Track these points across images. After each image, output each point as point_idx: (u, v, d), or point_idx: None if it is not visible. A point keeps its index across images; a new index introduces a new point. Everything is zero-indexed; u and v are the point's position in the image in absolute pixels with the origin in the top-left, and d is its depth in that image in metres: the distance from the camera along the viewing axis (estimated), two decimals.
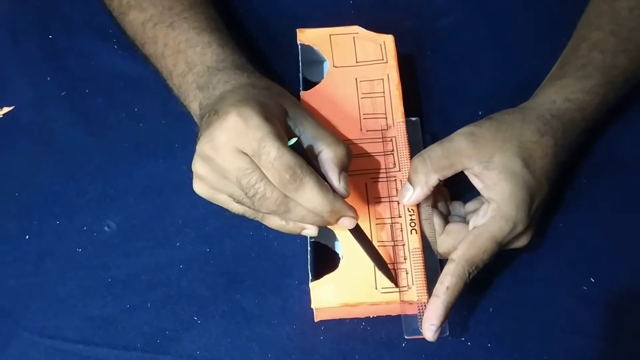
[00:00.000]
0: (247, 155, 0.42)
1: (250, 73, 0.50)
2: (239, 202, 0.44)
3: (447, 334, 0.47)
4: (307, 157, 0.43)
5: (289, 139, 0.42)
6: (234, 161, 0.42)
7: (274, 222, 0.45)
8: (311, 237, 0.49)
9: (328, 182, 0.44)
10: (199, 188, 0.46)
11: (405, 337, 0.47)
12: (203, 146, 0.43)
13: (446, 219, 0.51)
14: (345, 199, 0.44)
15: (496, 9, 0.65)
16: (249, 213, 0.45)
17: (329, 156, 0.44)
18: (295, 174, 0.41)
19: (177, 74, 0.52)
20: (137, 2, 0.56)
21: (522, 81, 0.56)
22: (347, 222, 0.44)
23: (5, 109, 0.61)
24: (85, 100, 0.61)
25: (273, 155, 0.41)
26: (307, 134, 0.45)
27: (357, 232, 0.46)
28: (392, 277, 0.47)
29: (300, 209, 0.43)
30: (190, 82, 0.51)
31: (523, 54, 0.62)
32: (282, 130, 0.43)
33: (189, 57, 0.51)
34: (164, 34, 0.53)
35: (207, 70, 0.50)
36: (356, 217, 0.44)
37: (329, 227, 0.48)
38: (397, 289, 0.47)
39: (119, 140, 0.59)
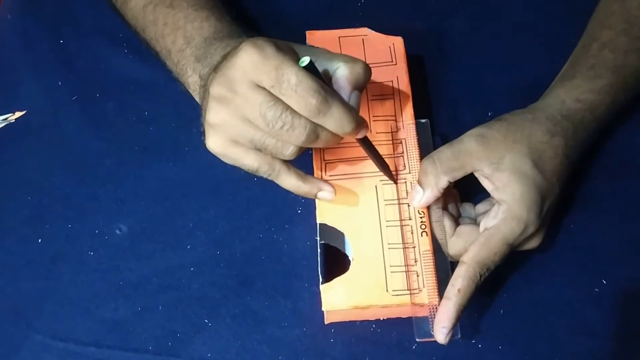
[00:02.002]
0: (266, 88, 0.41)
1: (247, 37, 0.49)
2: (259, 147, 0.43)
3: (459, 336, 0.46)
4: (322, 78, 0.42)
5: (301, 60, 0.41)
6: (255, 96, 0.41)
7: (289, 182, 0.45)
8: (321, 237, 0.49)
9: None
10: (214, 141, 0.44)
11: (417, 339, 0.47)
12: (218, 88, 0.42)
13: (457, 220, 0.51)
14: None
15: (505, 9, 0.65)
16: (264, 168, 0.44)
17: (344, 72, 0.43)
18: (320, 97, 0.40)
19: (175, 50, 0.52)
20: None
21: (533, 82, 0.56)
22: (364, 132, 0.45)
23: (18, 114, 0.62)
24: (96, 104, 0.61)
25: (294, 81, 0.40)
26: (321, 59, 0.44)
27: (366, 141, 0.47)
28: (394, 178, 0.50)
29: (326, 133, 0.42)
30: (189, 55, 0.50)
31: (533, 55, 0.62)
32: (297, 58, 0.42)
33: (187, 32, 0.51)
34: (163, 14, 0.54)
35: (204, 42, 0.50)
36: (368, 126, 0.45)
37: (337, 227, 0.49)
38: (408, 292, 0.47)
39: (130, 144, 0.59)
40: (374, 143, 0.52)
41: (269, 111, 0.41)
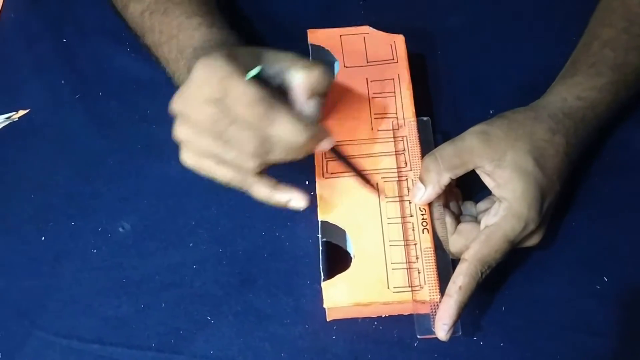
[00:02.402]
0: (216, 102, 0.40)
1: (231, 45, 0.49)
2: (222, 161, 0.43)
3: (460, 333, 0.47)
4: (275, 88, 0.42)
5: (252, 69, 0.41)
6: (205, 111, 0.41)
7: (260, 192, 0.44)
8: (323, 235, 0.50)
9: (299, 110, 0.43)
10: (185, 157, 0.45)
11: (418, 336, 0.47)
12: (177, 106, 0.42)
13: (458, 218, 0.51)
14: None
15: (507, 7, 0.65)
16: (236, 180, 0.44)
17: (299, 80, 0.42)
18: (262, 106, 0.40)
19: (171, 60, 0.52)
20: None
21: (534, 80, 0.56)
22: (326, 144, 0.43)
23: (21, 112, 0.62)
24: (99, 102, 0.62)
25: (240, 91, 0.40)
26: (283, 69, 0.43)
27: (335, 151, 0.47)
28: (373, 186, 0.49)
29: (280, 145, 0.41)
30: (182, 67, 0.51)
31: (534, 53, 0.62)
32: (249, 68, 0.41)
33: (180, 42, 0.52)
34: (159, 21, 0.54)
35: (193, 52, 0.50)
36: (332, 138, 0.44)
37: (337, 224, 0.49)
38: (409, 289, 0.47)
39: (133, 142, 0.59)
40: (375, 141, 0.53)
41: (216, 124, 0.41)
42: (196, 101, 0.41)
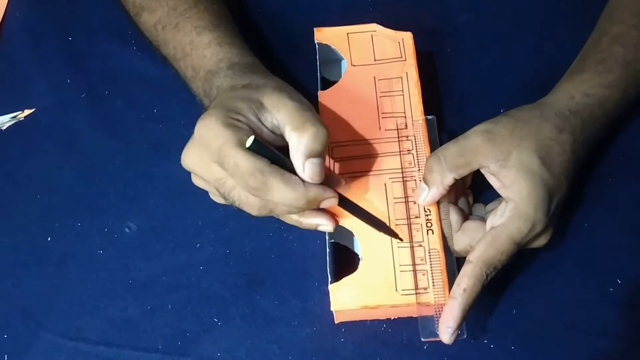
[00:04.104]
0: (220, 164, 0.42)
1: (239, 71, 0.49)
2: (231, 204, 0.45)
3: (465, 336, 0.46)
4: (272, 152, 0.42)
5: (247, 139, 0.41)
6: (209, 173, 0.43)
7: (290, 219, 0.46)
8: (330, 237, 0.49)
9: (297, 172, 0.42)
10: (213, 197, 0.47)
11: (422, 339, 0.46)
12: (184, 163, 0.44)
13: (466, 217, 0.50)
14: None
15: (515, 5, 0.64)
16: (261, 213, 0.45)
17: (293, 145, 0.42)
18: (257, 179, 0.41)
19: (188, 78, 0.53)
20: (147, 3, 0.56)
21: (543, 78, 0.55)
22: (328, 203, 0.44)
23: (27, 111, 0.62)
24: (105, 102, 0.61)
25: (232, 164, 0.41)
26: (281, 120, 0.43)
27: (345, 204, 0.46)
28: (395, 233, 0.47)
29: (280, 207, 0.43)
30: (199, 87, 0.51)
31: (544, 51, 0.61)
32: (247, 132, 0.42)
33: (194, 61, 0.52)
34: (171, 36, 0.54)
35: (206, 75, 0.51)
36: (336, 195, 0.44)
37: (345, 226, 0.48)
38: (415, 291, 0.47)
39: (139, 142, 0.59)
40: (383, 140, 0.52)
41: (221, 188, 0.43)
42: (200, 162, 0.43)
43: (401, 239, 0.47)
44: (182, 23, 0.54)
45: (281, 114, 0.43)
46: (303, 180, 0.42)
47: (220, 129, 0.41)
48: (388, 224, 0.49)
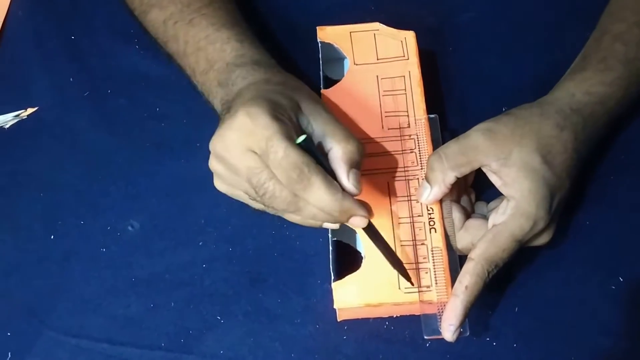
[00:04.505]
0: (257, 154, 0.42)
1: (267, 67, 0.50)
2: (253, 199, 0.44)
3: (468, 333, 0.46)
4: (317, 155, 0.42)
5: (299, 136, 0.42)
6: (244, 160, 0.42)
7: (294, 218, 0.45)
8: (333, 234, 0.49)
9: (337, 181, 0.43)
10: (219, 185, 0.46)
11: (425, 337, 0.47)
12: (215, 146, 0.43)
13: (468, 215, 0.50)
14: (361, 197, 0.43)
15: (517, 3, 0.64)
16: (269, 209, 0.45)
17: (338, 154, 0.43)
18: (302, 174, 0.41)
19: (199, 71, 0.52)
20: (157, 0, 0.56)
21: (545, 77, 0.55)
22: (358, 222, 0.43)
23: (29, 110, 0.62)
24: (107, 100, 0.61)
25: (280, 155, 0.40)
26: (319, 129, 0.45)
27: (370, 231, 0.45)
28: (408, 275, 0.47)
29: (310, 207, 0.42)
30: (212, 79, 0.51)
31: (546, 49, 0.61)
32: (292, 128, 0.42)
33: (209, 54, 0.51)
34: (184, 31, 0.54)
35: (226, 67, 0.50)
36: (368, 216, 0.43)
37: (348, 224, 0.48)
38: (418, 289, 0.47)
39: (142, 140, 0.59)
40: (385, 139, 0.52)
41: (254, 177, 0.42)
42: (236, 149, 0.42)
43: (412, 283, 0.47)
44: (197, 19, 0.53)
45: (319, 124, 0.44)
46: None
47: (269, 120, 0.41)
48: (391, 224, 0.49)
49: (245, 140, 0.42)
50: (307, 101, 0.45)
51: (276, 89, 0.46)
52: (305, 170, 0.41)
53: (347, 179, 0.43)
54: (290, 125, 0.42)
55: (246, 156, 0.42)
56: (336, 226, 0.45)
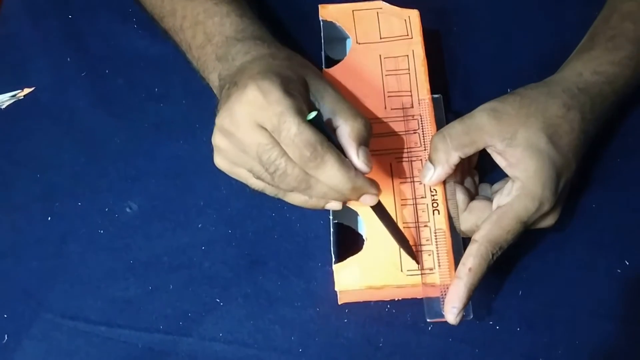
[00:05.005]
0: (267, 130, 0.41)
1: (270, 43, 0.49)
2: (258, 177, 0.43)
3: (471, 317, 0.45)
4: (328, 132, 0.42)
5: (309, 113, 0.41)
6: (254, 136, 0.41)
7: (296, 199, 0.44)
8: (334, 216, 0.48)
9: (347, 158, 0.42)
10: (219, 161, 0.45)
11: (427, 319, 0.46)
12: (222, 120, 0.42)
13: (472, 197, 0.49)
14: (368, 176, 0.43)
15: None
16: (269, 190, 0.44)
17: (346, 131, 0.43)
18: (315, 151, 0.40)
19: (196, 45, 0.51)
20: None
21: (551, 57, 0.54)
22: (368, 200, 0.43)
23: (26, 90, 0.61)
24: (105, 81, 0.60)
25: (293, 132, 0.40)
26: (326, 107, 0.44)
27: (379, 209, 0.45)
28: (415, 256, 0.46)
29: (321, 185, 0.42)
30: (209, 53, 0.50)
31: (552, 29, 0.60)
32: (304, 104, 0.41)
33: (207, 28, 0.50)
34: (181, 6, 0.52)
35: (225, 41, 0.49)
36: (378, 193, 0.43)
37: (351, 206, 0.47)
38: (421, 271, 0.46)
39: (140, 121, 0.58)
40: (388, 120, 0.51)
41: (264, 154, 0.41)
42: (246, 124, 0.41)
43: (418, 262, 0.46)
44: None
45: (327, 101, 0.44)
46: None
47: (282, 95, 0.40)
48: (394, 206, 0.48)
49: (256, 115, 0.40)
50: (313, 78, 0.45)
51: (284, 64, 0.45)
52: (319, 147, 0.40)
53: (357, 157, 0.42)
54: (301, 101, 0.41)
55: (256, 132, 0.41)
56: (339, 206, 0.44)
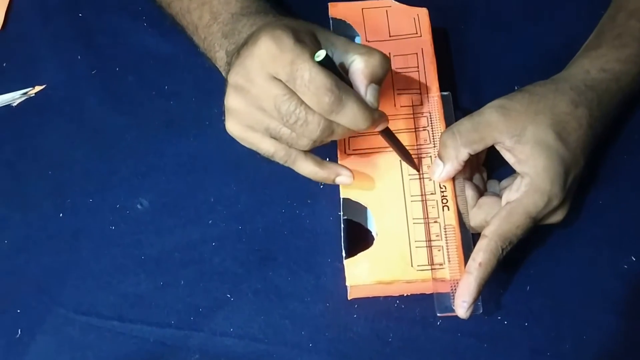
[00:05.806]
0: (282, 81, 0.40)
1: (275, 13, 0.49)
2: (275, 136, 0.43)
3: (481, 311, 0.46)
4: (339, 72, 0.41)
5: (316, 53, 0.40)
6: (270, 88, 0.40)
7: (306, 168, 0.44)
8: (344, 212, 0.49)
9: None
10: (232, 126, 0.45)
11: (437, 314, 0.47)
12: (235, 77, 0.42)
13: (481, 193, 0.50)
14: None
15: None
16: (280, 154, 0.44)
17: (359, 65, 0.42)
18: (333, 95, 0.40)
19: (202, 26, 0.51)
20: None
21: (559, 54, 0.54)
22: (382, 127, 0.44)
23: (37, 88, 0.61)
24: (115, 78, 0.61)
25: (307, 78, 0.39)
26: (338, 50, 0.43)
27: (386, 132, 0.46)
28: (415, 165, 0.49)
29: (341, 128, 0.42)
30: (216, 31, 0.50)
31: (560, 27, 0.60)
32: (315, 50, 0.41)
33: (213, 7, 0.51)
34: None
35: (231, 18, 0.49)
36: (387, 119, 0.44)
37: (358, 202, 0.48)
38: (431, 267, 0.46)
39: (150, 118, 0.58)
40: (398, 117, 0.51)
41: (283, 105, 0.41)
42: (260, 77, 0.41)
43: (418, 170, 0.49)
44: None
45: (339, 45, 0.43)
46: None
47: (292, 43, 0.40)
48: (403, 201, 0.48)
49: (269, 66, 0.40)
50: (322, 31, 0.44)
51: (290, 21, 0.44)
52: (336, 91, 0.40)
53: (364, 94, 0.42)
54: (312, 48, 0.41)
55: (272, 84, 0.40)
56: (350, 181, 0.45)
